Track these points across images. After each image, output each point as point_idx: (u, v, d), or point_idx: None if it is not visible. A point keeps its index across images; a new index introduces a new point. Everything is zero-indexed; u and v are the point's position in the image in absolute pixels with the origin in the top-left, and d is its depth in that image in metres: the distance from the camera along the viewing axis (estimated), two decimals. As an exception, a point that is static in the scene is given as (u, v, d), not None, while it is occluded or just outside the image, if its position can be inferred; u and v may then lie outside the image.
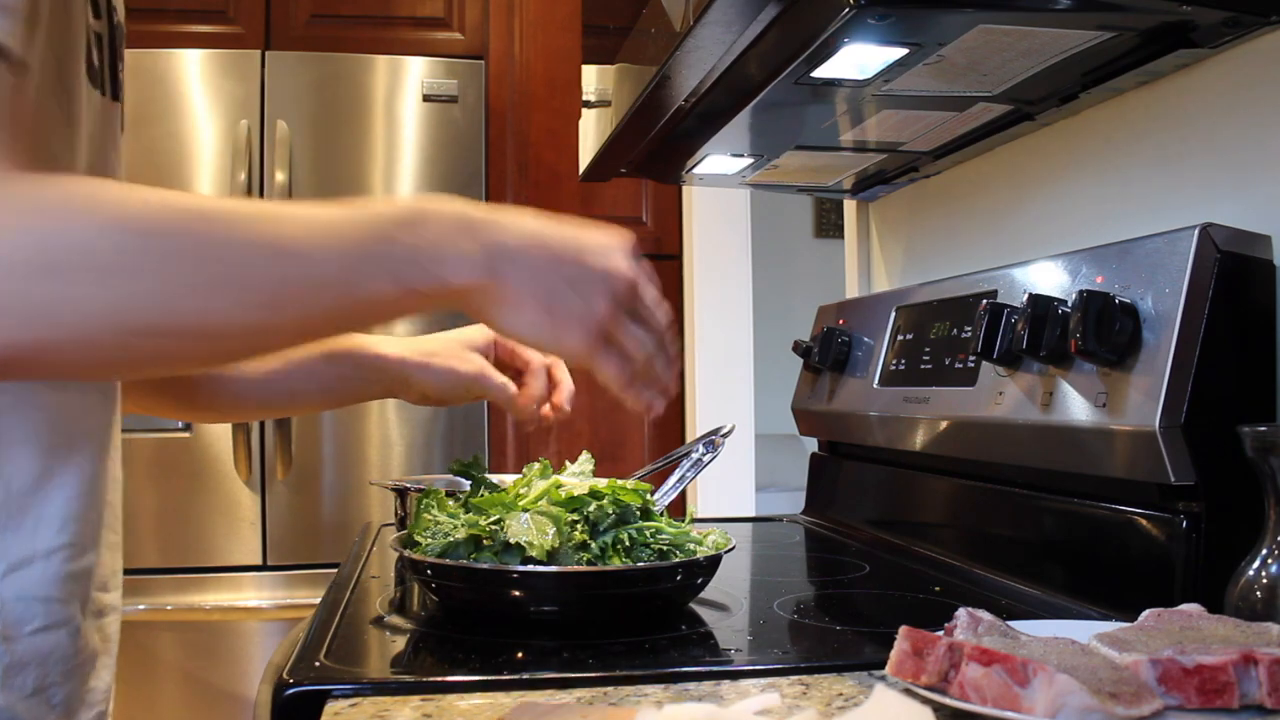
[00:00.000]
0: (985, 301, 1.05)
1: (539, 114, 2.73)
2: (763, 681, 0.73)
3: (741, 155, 1.52)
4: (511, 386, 1.09)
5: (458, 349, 1.07)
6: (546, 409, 1.11)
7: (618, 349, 0.72)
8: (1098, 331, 0.91)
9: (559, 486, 0.94)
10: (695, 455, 1.17)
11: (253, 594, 2.44)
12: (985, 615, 0.72)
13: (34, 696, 0.67)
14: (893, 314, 1.38)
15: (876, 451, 1.41)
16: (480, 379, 1.07)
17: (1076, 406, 0.96)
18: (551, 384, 1.11)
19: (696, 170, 1.60)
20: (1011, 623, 0.74)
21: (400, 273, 0.64)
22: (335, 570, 1.21)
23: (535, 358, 1.10)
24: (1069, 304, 0.95)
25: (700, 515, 1.31)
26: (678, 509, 1.22)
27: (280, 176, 2.46)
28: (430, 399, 1.07)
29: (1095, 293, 0.92)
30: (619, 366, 0.72)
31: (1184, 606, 0.75)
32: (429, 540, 0.93)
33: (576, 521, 0.91)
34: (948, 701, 0.63)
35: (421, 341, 1.08)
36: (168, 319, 0.57)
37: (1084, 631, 0.71)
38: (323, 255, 0.62)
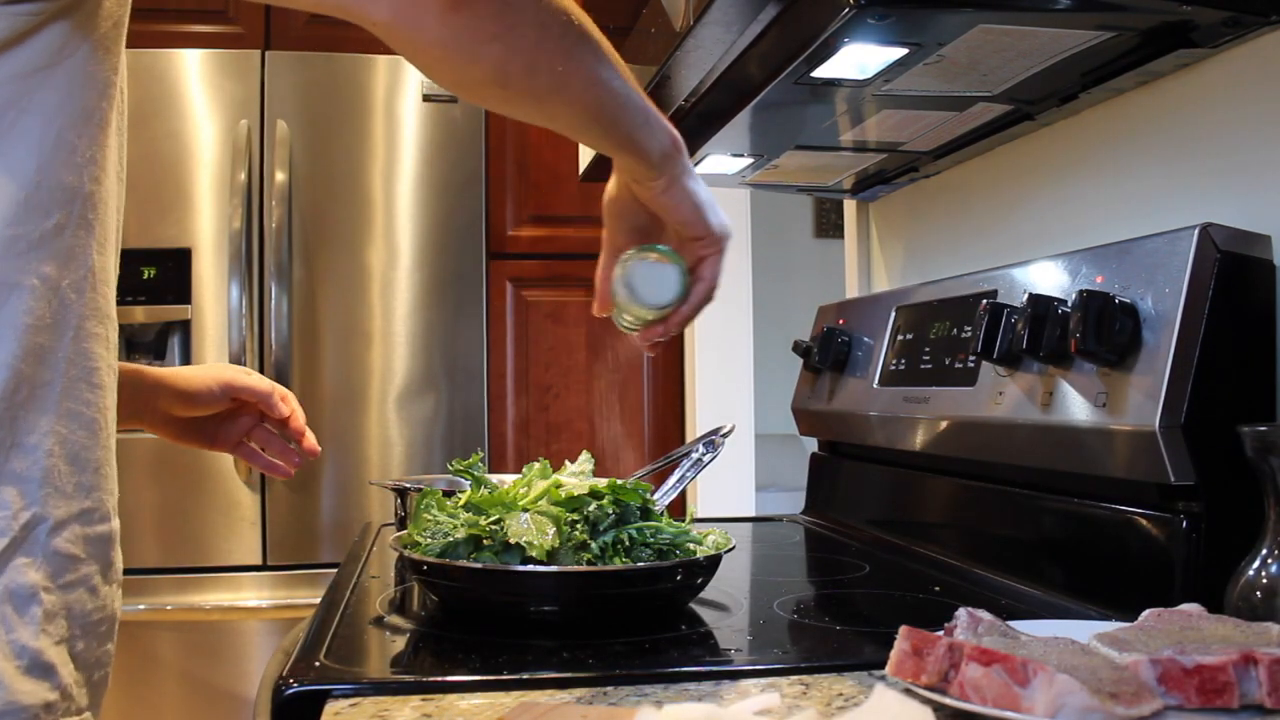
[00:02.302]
0: (985, 301, 1.05)
1: (539, 114, 2.73)
2: (763, 681, 0.73)
3: (741, 155, 1.52)
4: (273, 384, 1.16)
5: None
6: (311, 441, 1.19)
7: None
8: (1098, 331, 0.90)
9: (559, 486, 0.94)
10: (695, 455, 1.17)
11: (252, 594, 2.44)
12: (985, 615, 0.72)
13: (60, 645, 0.72)
14: (892, 314, 1.38)
15: (876, 451, 1.41)
16: (237, 371, 1.15)
17: (1076, 406, 0.96)
18: (282, 415, 1.18)
19: (696, 170, 1.60)
20: (1011, 623, 0.74)
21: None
22: (335, 570, 1.21)
23: (263, 386, 1.16)
24: (1069, 304, 0.95)
25: (700, 515, 1.31)
26: (678, 509, 1.22)
27: (280, 176, 2.46)
28: (185, 396, 1.11)
29: (1095, 293, 0.91)
30: None
31: (1184, 606, 0.75)
32: (429, 540, 0.93)
33: (576, 521, 0.91)
34: (948, 701, 0.63)
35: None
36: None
37: (1084, 631, 0.71)
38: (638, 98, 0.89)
